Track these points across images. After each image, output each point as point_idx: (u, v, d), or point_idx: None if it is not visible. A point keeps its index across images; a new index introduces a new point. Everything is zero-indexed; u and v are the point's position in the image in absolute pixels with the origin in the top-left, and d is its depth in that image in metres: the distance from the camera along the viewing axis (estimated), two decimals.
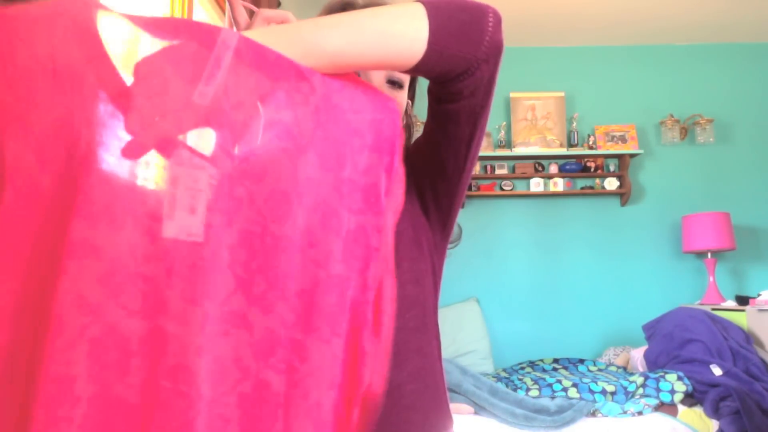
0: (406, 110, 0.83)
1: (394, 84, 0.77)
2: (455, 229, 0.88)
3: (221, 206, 0.45)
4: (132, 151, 0.42)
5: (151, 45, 0.44)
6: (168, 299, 0.42)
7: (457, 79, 0.62)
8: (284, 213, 0.48)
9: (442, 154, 0.72)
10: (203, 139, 0.45)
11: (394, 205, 0.53)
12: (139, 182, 0.42)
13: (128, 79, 0.43)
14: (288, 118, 0.49)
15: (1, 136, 0.40)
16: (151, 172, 0.43)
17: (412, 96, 0.87)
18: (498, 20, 0.61)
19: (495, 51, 0.61)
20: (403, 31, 0.57)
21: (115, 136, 0.42)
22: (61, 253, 0.39)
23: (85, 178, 0.40)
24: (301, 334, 0.47)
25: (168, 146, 0.44)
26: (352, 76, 0.56)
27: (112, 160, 0.41)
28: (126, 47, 0.44)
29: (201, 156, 0.45)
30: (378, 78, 0.76)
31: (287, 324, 0.47)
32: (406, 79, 0.78)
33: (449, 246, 0.87)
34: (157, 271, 0.42)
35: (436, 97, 0.68)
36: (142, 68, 0.44)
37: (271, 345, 0.46)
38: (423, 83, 0.77)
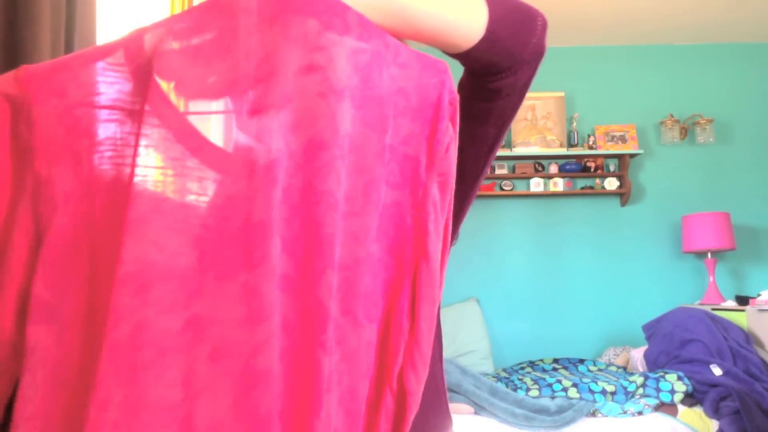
0: None
1: None
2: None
3: (258, 161, 0.42)
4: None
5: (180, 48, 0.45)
6: (202, 282, 0.40)
7: (499, 75, 0.62)
8: (325, 165, 0.43)
9: (463, 154, 0.72)
10: (231, 105, 0.44)
11: (439, 180, 0.48)
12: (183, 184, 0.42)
13: (166, 87, 0.44)
14: (320, 59, 0.44)
15: (52, 167, 0.42)
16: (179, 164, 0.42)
17: None
18: (545, 26, 0.62)
19: (538, 55, 0.62)
20: (466, 11, 0.58)
21: (157, 150, 0.42)
22: (116, 268, 0.39)
23: (132, 199, 0.40)
24: (336, 312, 0.43)
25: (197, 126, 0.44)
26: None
27: (151, 172, 0.42)
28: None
29: (231, 118, 0.43)
30: None
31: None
32: None
33: None
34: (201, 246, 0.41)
35: (470, 94, 0.67)
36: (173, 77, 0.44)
37: (322, 319, 0.42)
38: None
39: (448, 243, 0.54)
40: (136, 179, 0.41)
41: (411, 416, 0.47)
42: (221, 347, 0.39)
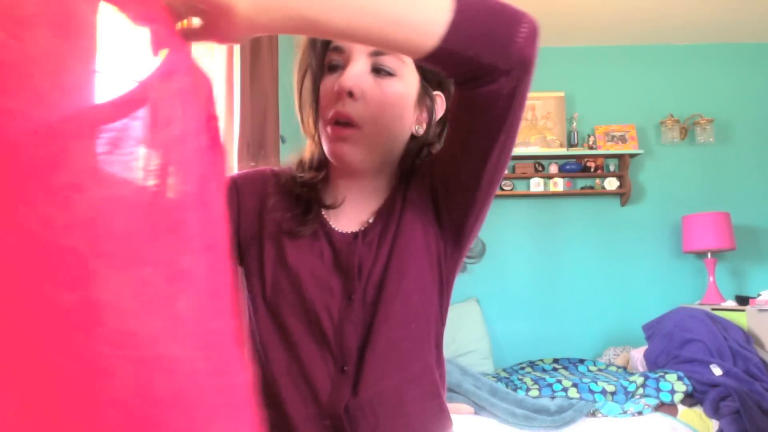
0: (428, 110, 0.76)
1: (380, 72, 0.71)
2: (478, 245, 0.84)
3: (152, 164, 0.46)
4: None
5: None
6: (97, 267, 0.41)
7: (472, 84, 0.59)
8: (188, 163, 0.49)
9: (458, 164, 0.69)
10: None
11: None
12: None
13: None
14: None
15: None
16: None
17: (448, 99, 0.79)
18: (532, 33, 0.56)
19: (521, 64, 0.57)
20: (418, 21, 0.54)
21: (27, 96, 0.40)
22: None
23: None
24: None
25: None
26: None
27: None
28: None
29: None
30: (362, 65, 0.71)
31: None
32: (399, 67, 0.71)
33: (470, 261, 0.84)
34: (85, 239, 0.41)
35: (456, 101, 0.65)
36: None
37: (214, 287, 0.49)
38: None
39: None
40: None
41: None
42: (121, 333, 0.41)
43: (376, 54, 0.70)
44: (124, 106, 0.46)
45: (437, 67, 0.60)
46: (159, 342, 0.42)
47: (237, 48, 1.84)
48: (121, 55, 0.47)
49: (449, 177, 0.72)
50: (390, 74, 0.71)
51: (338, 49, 0.72)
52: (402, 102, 0.73)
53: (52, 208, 0.40)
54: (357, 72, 0.70)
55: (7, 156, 0.39)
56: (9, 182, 0.39)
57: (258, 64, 1.95)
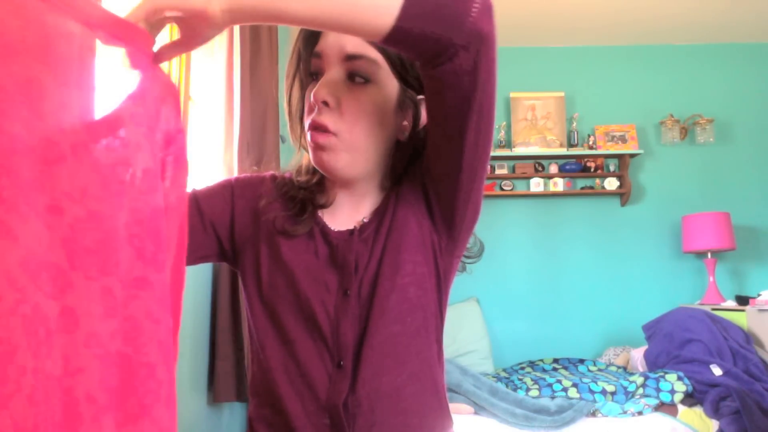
0: (413, 115, 0.76)
1: (355, 78, 0.71)
2: (476, 244, 0.85)
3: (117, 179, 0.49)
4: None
5: None
6: (73, 279, 0.45)
7: (433, 62, 0.60)
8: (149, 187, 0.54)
9: (438, 150, 0.70)
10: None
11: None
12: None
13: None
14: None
15: None
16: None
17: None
18: (486, 7, 0.59)
19: (476, 38, 0.58)
20: (374, 3, 0.57)
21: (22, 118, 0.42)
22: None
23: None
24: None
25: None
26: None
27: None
28: None
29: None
30: (336, 73, 0.71)
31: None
32: (374, 72, 0.71)
33: (469, 261, 0.84)
34: (60, 253, 0.45)
35: (425, 86, 0.66)
36: None
37: (167, 292, 0.54)
38: None
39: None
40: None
41: None
42: (92, 335, 0.46)
43: (349, 59, 0.70)
44: (103, 129, 0.49)
45: (398, 48, 0.62)
46: (115, 340, 0.48)
47: (237, 48, 1.84)
48: (100, 77, 0.50)
49: (433, 165, 0.72)
50: (365, 81, 0.71)
51: (317, 55, 0.72)
52: (379, 108, 0.72)
53: (41, 227, 0.43)
54: (330, 81, 0.70)
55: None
56: (7, 199, 0.41)
57: (258, 64, 1.95)
